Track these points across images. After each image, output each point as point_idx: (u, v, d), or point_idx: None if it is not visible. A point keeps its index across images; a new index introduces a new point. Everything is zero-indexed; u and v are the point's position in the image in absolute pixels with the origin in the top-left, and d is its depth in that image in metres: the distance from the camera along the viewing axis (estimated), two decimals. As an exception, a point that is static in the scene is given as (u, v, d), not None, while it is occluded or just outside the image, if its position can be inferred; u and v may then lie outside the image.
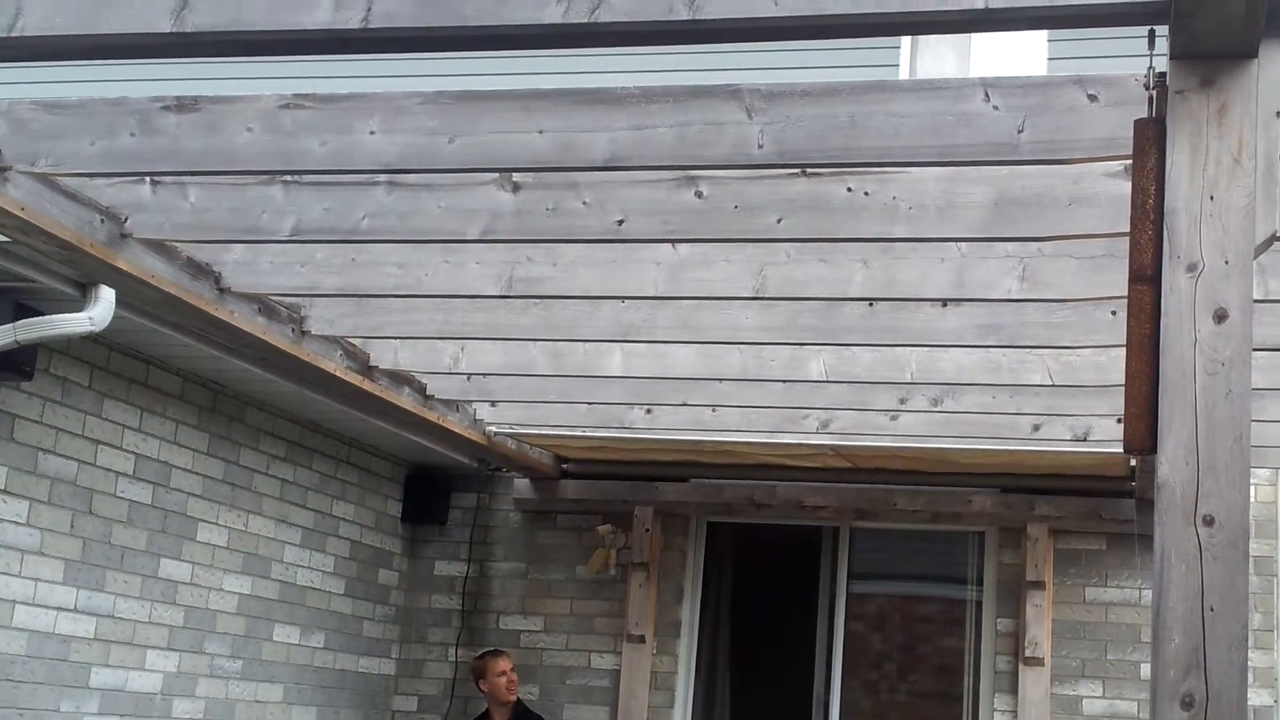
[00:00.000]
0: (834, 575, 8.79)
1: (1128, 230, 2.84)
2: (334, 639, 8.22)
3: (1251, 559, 7.99)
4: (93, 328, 5.40)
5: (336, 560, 8.24)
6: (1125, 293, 2.85)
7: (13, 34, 3.13)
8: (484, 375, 6.65)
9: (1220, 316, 2.70)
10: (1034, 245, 4.54)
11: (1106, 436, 6.77)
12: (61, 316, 5.38)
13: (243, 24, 3.04)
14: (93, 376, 6.34)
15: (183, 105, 4.09)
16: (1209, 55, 2.75)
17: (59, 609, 6.21)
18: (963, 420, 6.74)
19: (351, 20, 2.98)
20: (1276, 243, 2.96)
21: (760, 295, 4.88)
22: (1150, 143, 2.79)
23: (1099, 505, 8.09)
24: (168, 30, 3.06)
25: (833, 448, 7.02)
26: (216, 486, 7.18)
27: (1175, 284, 2.72)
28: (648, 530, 8.62)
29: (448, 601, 9.01)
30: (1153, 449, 2.68)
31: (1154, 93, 2.84)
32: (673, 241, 4.71)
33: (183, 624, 6.96)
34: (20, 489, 5.99)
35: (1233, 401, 2.67)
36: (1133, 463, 7.37)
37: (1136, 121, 2.85)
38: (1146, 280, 2.77)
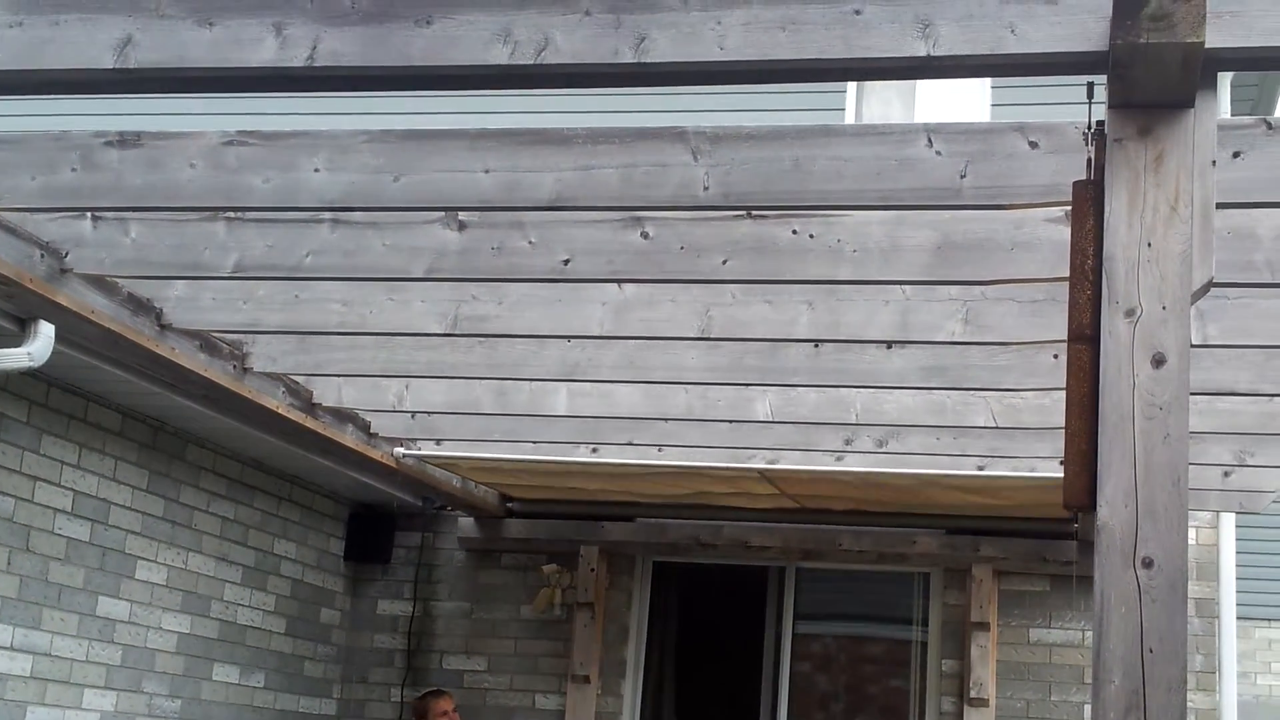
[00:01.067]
0: (780, 615, 8.79)
1: (1067, 276, 2.87)
2: (274, 679, 8.13)
3: (1193, 601, 8.07)
4: (31, 363, 5.33)
5: (278, 599, 8.15)
6: (1066, 336, 2.87)
7: (-48, 68, 3.11)
8: (429, 414, 6.62)
9: (1158, 361, 2.73)
10: (977, 289, 4.58)
11: (1049, 478, 6.81)
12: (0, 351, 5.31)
13: (186, 61, 3.03)
14: (31, 412, 6.26)
15: (125, 141, 4.07)
16: (1146, 105, 2.79)
17: (-7, 648, 6.11)
18: (907, 461, 6.77)
19: (296, 59, 2.98)
20: (1214, 288, 3.00)
21: (706, 336, 4.89)
22: (1088, 204, 2.82)
23: (1042, 547, 8.14)
24: (111, 66, 3.05)
25: (761, 471, 6.90)
26: (156, 524, 7.09)
27: (1114, 329, 2.75)
28: (593, 570, 8.59)
29: (390, 641, 8.93)
30: (1092, 506, 2.70)
31: (1093, 142, 2.88)
32: (619, 281, 4.72)
33: (120, 663, 6.86)
34: (-45, 526, 5.90)
35: (1171, 445, 2.70)
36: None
37: (1075, 183, 2.88)
38: (1085, 340, 2.79)
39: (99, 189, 4.11)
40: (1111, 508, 2.69)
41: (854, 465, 6.88)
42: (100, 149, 4.09)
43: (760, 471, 6.59)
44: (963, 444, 6.40)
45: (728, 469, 6.73)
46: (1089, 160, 2.89)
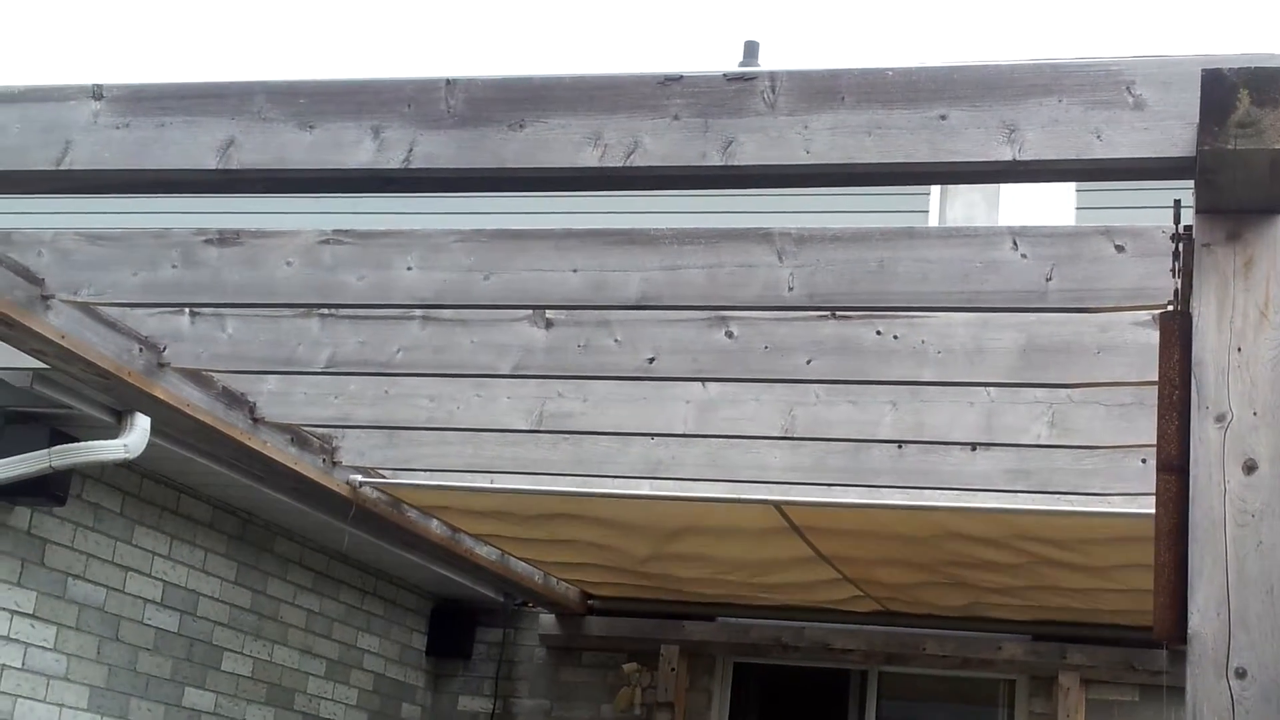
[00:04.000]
0: (862, 720, 8.66)
1: (1155, 379, 2.85)
2: (354, 774, 8.12)
3: (1288, 713, 7.84)
4: (127, 455, 5.44)
5: (360, 693, 8.17)
6: (1153, 441, 2.85)
7: (61, 167, 3.22)
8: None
9: (1249, 468, 2.69)
10: (1063, 392, 4.55)
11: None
12: (97, 443, 5.43)
13: (287, 163, 3.11)
14: (124, 503, 6.37)
15: (224, 239, 4.18)
16: (1234, 210, 2.78)
17: (80, 736, 6.17)
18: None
19: (393, 161, 3.05)
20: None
21: (789, 435, 4.89)
22: (1175, 336, 2.80)
23: (1131, 655, 7.96)
24: (213, 167, 3.13)
25: (778, 506, 6.28)
26: (243, 616, 7.16)
27: (1204, 435, 2.71)
28: (674, 669, 8.52)
29: (470, 738, 8.90)
30: (1181, 640, 2.66)
31: (1180, 252, 2.87)
32: (703, 380, 4.74)
33: (203, 755, 6.90)
34: (49, 614, 5.99)
35: (1264, 554, 2.65)
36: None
37: (1162, 315, 2.86)
38: (1174, 470, 2.75)
39: (198, 285, 4.22)
40: (1203, 616, 2.64)
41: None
42: (200, 246, 4.20)
43: (777, 506, 6.19)
44: (1050, 548, 6.31)
45: (732, 499, 6.28)
46: (1175, 257, 2.88)
